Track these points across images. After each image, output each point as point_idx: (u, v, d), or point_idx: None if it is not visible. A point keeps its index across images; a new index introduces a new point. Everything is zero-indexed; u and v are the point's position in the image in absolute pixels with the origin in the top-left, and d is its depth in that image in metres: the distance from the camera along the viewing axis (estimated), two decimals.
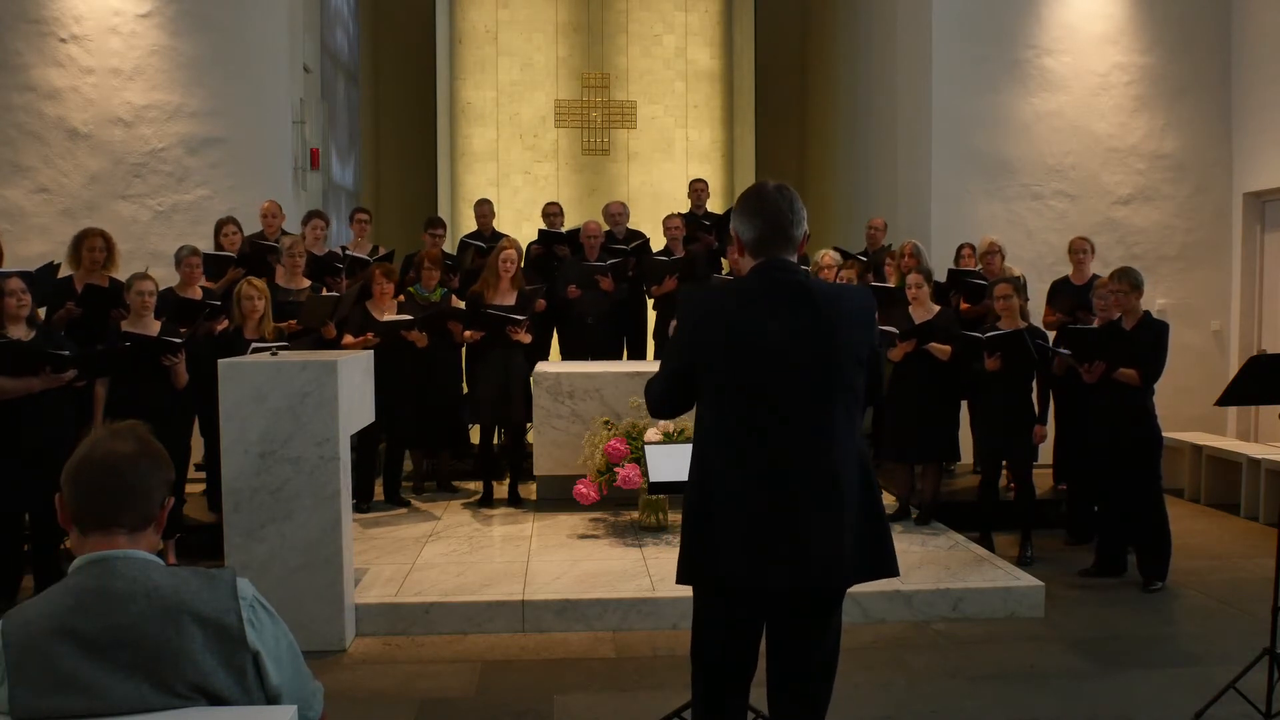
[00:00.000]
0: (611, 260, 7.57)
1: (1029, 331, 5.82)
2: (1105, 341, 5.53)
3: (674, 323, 2.68)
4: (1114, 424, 5.46)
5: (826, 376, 2.46)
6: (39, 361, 4.89)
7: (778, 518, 2.41)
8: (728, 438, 2.47)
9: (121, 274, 6.08)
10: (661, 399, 2.67)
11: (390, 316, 6.42)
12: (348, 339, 6.28)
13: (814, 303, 2.48)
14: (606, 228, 8.11)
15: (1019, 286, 6.06)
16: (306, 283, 6.55)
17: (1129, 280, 5.44)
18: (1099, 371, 5.48)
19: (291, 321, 6.16)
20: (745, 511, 2.43)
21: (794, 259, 2.57)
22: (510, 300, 6.64)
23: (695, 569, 2.54)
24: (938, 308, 6.21)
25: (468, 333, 6.62)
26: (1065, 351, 5.73)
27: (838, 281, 6.46)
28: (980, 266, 7.00)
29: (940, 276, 7.16)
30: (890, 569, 2.52)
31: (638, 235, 8.20)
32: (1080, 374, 5.62)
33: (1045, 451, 6.46)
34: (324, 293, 6.49)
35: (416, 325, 6.38)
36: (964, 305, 6.78)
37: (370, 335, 6.27)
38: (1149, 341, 5.40)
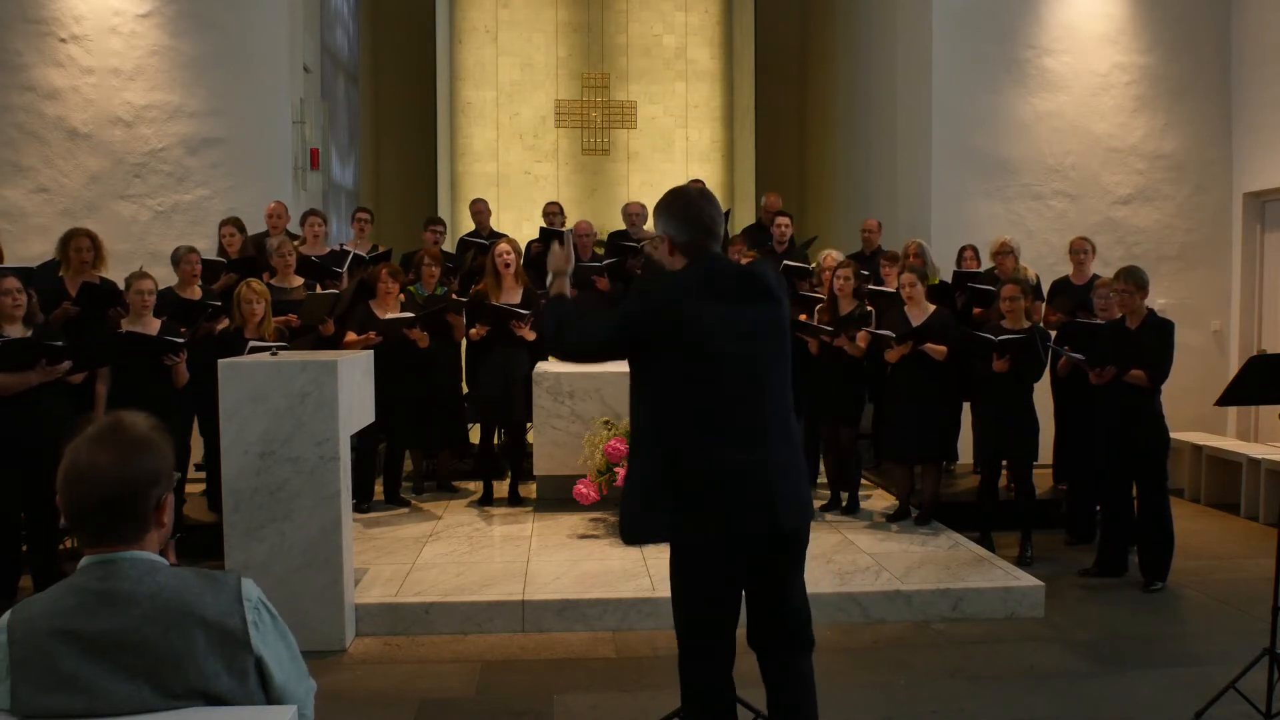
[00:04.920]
0: (608, 261, 7.58)
1: (1034, 331, 5.81)
2: (1111, 342, 5.51)
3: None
4: (1121, 426, 5.45)
5: (776, 345, 2.80)
6: (35, 355, 4.89)
7: (758, 474, 2.71)
8: (702, 410, 2.70)
9: (111, 273, 6.09)
10: (600, 343, 2.82)
11: (393, 315, 6.42)
12: (350, 336, 6.28)
13: (756, 283, 2.79)
14: (616, 227, 8.13)
15: (1027, 288, 6.04)
16: (299, 281, 6.56)
17: (1134, 280, 5.42)
18: (1110, 376, 5.45)
19: (291, 316, 6.17)
20: (729, 472, 2.69)
21: (724, 250, 2.91)
22: (515, 298, 6.63)
23: (698, 526, 2.73)
24: (933, 307, 6.20)
25: (473, 330, 6.61)
26: (1078, 356, 5.69)
27: (834, 280, 6.45)
28: (995, 266, 6.94)
29: (943, 276, 7.14)
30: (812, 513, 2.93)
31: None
32: (1087, 375, 5.60)
33: (1045, 451, 6.46)
34: (319, 290, 6.51)
35: (418, 323, 6.38)
36: (976, 310, 6.74)
37: (373, 334, 6.27)
38: (1155, 341, 5.38)
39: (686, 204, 2.80)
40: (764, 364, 2.76)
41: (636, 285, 2.76)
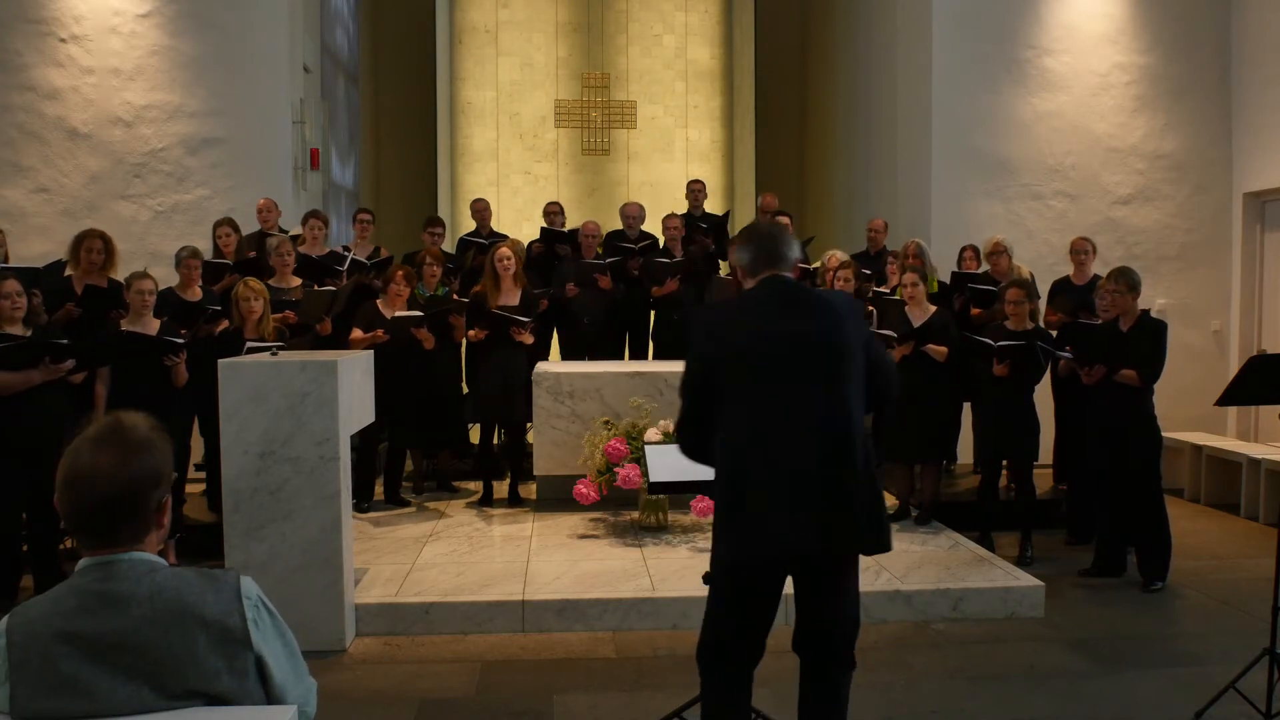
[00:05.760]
0: (610, 259, 7.58)
1: (1036, 334, 5.81)
2: (1104, 343, 5.52)
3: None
4: (1113, 425, 5.46)
5: (831, 367, 2.74)
6: (38, 353, 4.90)
7: (781, 496, 2.66)
8: (748, 431, 2.72)
9: (121, 275, 6.09)
10: (687, 426, 2.88)
11: (400, 313, 6.42)
12: (356, 333, 6.29)
13: (811, 304, 2.81)
14: (614, 227, 8.12)
15: (1031, 291, 6.04)
16: (297, 281, 6.57)
17: (1126, 280, 5.43)
18: (1099, 374, 5.47)
19: (289, 313, 6.17)
20: (769, 494, 2.67)
21: (789, 276, 2.84)
22: (514, 300, 6.63)
23: (732, 553, 2.75)
24: (934, 308, 6.20)
25: (471, 332, 6.61)
26: (1067, 354, 5.72)
27: (835, 280, 6.46)
28: (988, 266, 6.95)
29: (942, 276, 7.15)
30: (886, 545, 2.79)
31: (648, 236, 8.23)
32: (1081, 375, 5.62)
33: (1045, 451, 6.46)
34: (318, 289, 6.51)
35: (425, 322, 6.39)
36: (974, 310, 6.74)
37: (380, 333, 6.28)
38: (1147, 342, 5.39)
39: (750, 229, 2.96)
40: (804, 383, 2.71)
41: (686, 325, 2.75)
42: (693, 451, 2.91)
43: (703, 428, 2.81)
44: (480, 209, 8.34)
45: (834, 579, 2.82)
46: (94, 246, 5.84)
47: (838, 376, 2.73)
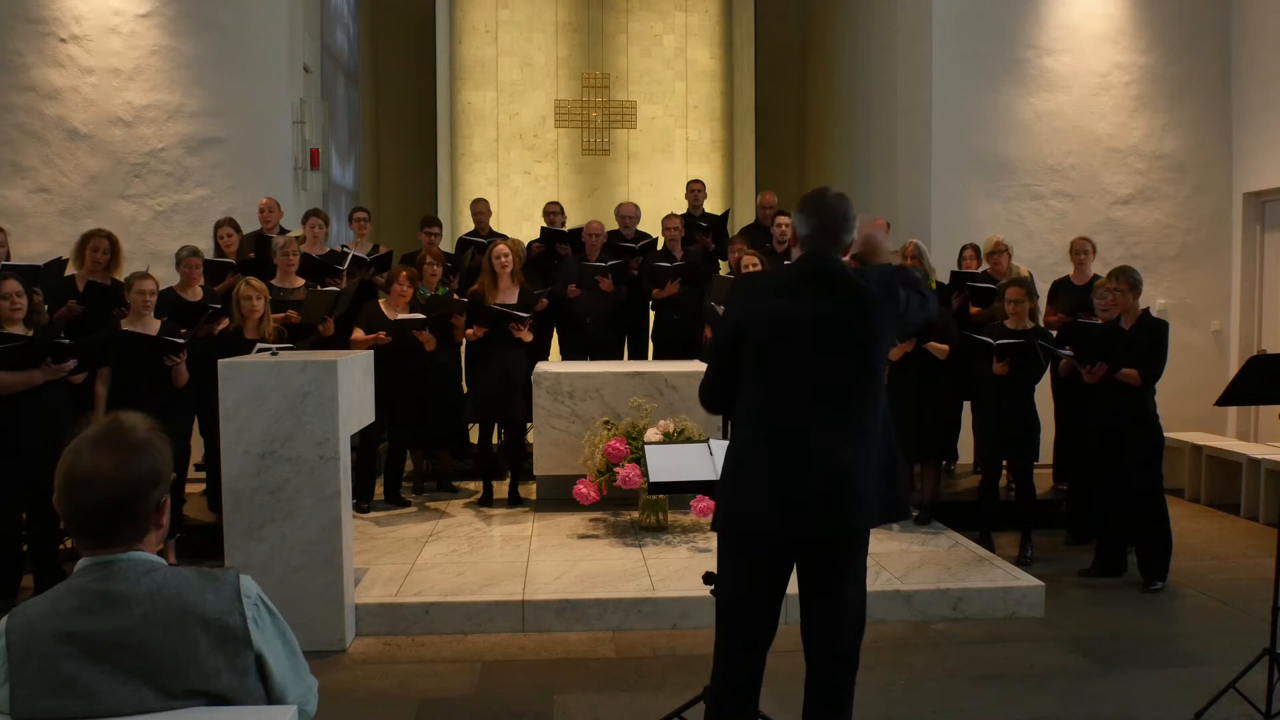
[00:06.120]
0: (612, 261, 7.58)
1: (1035, 333, 5.81)
2: (1105, 342, 5.53)
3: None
4: (1114, 425, 5.46)
5: (852, 349, 2.75)
6: (40, 353, 4.90)
7: (787, 474, 2.68)
8: (763, 403, 2.76)
9: (124, 275, 6.10)
10: (708, 386, 2.93)
11: (402, 315, 6.43)
12: (358, 333, 6.29)
13: (847, 289, 2.78)
14: (614, 227, 8.12)
15: (1030, 290, 6.04)
16: (301, 281, 6.57)
17: (1127, 279, 5.44)
18: (1101, 373, 5.47)
19: (291, 312, 6.17)
20: (769, 479, 2.69)
21: (836, 256, 2.86)
22: (512, 299, 6.64)
23: (730, 521, 2.80)
24: None
25: (470, 330, 6.62)
26: (1068, 352, 5.73)
27: None
28: (988, 266, 6.96)
29: (942, 276, 7.15)
30: (902, 513, 2.84)
31: (646, 236, 8.22)
32: (1082, 374, 5.62)
33: (1045, 451, 6.46)
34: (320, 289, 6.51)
35: (427, 325, 6.39)
36: (973, 309, 6.75)
37: (382, 334, 6.28)
38: (1148, 341, 5.39)
39: (817, 201, 2.90)
40: (820, 369, 2.71)
41: (709, 301, 3.02)
42: (712, 409, 3.02)
43: (725, 391, 2.87)
44: (480, 210, 8.34)
45: (831, 573, 2.80)
46: (100, 246, 5.85)
47: (856, 366, 2.74)
